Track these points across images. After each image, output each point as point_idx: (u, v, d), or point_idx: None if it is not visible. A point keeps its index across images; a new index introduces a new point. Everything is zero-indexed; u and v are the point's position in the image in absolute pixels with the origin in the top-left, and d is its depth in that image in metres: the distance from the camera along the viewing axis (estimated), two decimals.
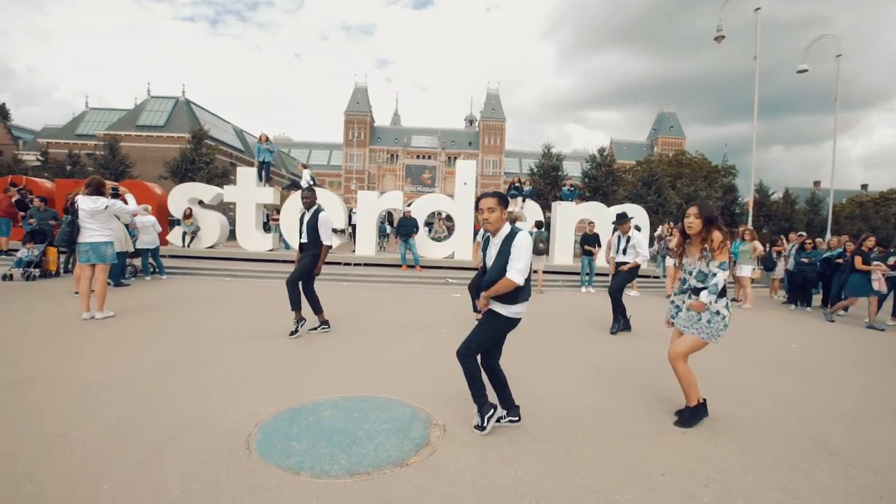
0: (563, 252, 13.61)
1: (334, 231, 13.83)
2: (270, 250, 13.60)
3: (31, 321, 5.46)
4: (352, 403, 3.34)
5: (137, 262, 9.51)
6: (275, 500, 2.13)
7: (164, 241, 13.15)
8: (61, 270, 9.21)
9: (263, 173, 13.92)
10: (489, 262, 2.91)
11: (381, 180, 73.17)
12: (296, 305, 5.19)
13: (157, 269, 9.68)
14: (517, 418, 3.04)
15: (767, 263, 11.35)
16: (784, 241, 11.98)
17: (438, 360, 4.40)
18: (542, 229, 10.66)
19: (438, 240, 14.91)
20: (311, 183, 15.27)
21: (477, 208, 2.91)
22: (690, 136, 70.93)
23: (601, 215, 13.85)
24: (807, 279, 9.60)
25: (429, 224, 17.55)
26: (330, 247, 5.22)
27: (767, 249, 11.64)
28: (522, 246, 2.75)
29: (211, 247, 13.33)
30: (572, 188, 14.69)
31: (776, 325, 7.84)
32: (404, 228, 12.73)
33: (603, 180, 27.99)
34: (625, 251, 6.50)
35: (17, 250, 9.24)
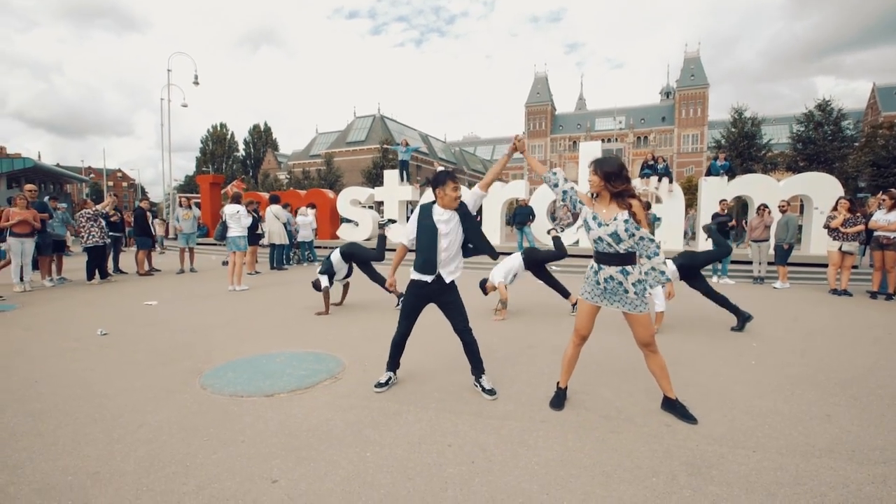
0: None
1: None
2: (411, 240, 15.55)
3: (202, 290, 8.12)
4: (302, 356, 4.20)
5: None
6: (175, 398, 3.17)
7: (334, 236, 16.62)
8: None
9: (404, 173, 15.96)
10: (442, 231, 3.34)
11: (563, 169, 71.43)
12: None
13: (311, 258, 12.45)
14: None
15: None
16: None
17: (429, 335, 4.63)
18: (650, 211, 9.38)
19: (562, 227, 14.40)
20: None
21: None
22: None
23: (764, 190, 11.18)
24: None
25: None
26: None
27: None
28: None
29: (367, 239, 16.05)
30: (725, 160, 12.19)
31: None
32: (520, 217, 12.88)
33: (824, 145, 21.37)
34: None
35: None
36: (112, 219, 9.41)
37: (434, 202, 3.29)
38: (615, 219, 2.73)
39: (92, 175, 58.52)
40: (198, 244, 11.66)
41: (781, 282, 8.46)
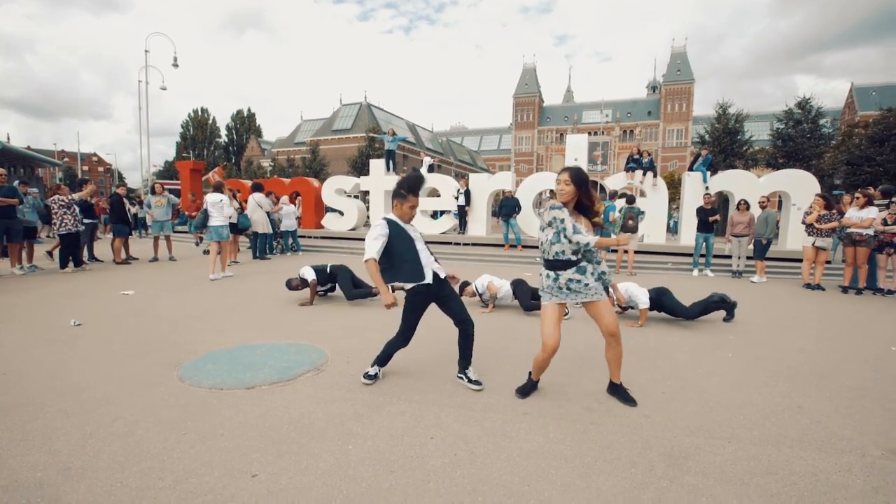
0: (691, 231, 11.69)
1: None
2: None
3: (181, 280, 7.96)
4: (284, 347, 4.15)
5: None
6: (152, 390, 3.09)
7: (319, 225, 16.40)
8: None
9: (390, 163, 15.80)
10: (415, 236, 3.26)
11: (549, 161, 71.65)
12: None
13: (295, 247, 12.29)
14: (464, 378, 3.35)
15: None
16: None
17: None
18: (634, 205, 9.49)
19: None
20: (430, 170, 16.61)
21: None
22: None
23: (744, 186, 11.39)
24: None
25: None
26: None
27: None
28: (370, 233, 3.14)
29: (352, 229, 15.90)
30: (709, 153, 12.39)
31: None
32: (506, 209, 12.87)
33: (802, 142, 21.85)
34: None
35: None
36: (96, 203, 9.11)
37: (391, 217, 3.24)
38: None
39: (66, 159, 56.51)
40: (176, 232, 11.38)
41: (759, 276, 8.67)
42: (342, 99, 47.19)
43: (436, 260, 3.33)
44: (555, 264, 2.89)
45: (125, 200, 9.78)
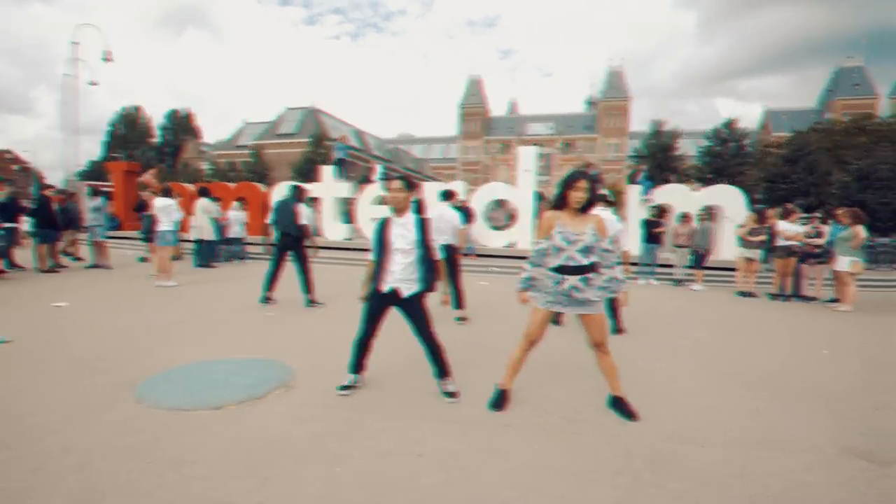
0: (634, 242, 12.39)
1: None
2: (347, 239, 15.07)
3: (119, 289, 7.31)
4: (246, 363, 3.90)
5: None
6: (105, 415, 2.79)
7: (266, 232, 15.64)
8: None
9: (341, 170, 15.47)
10: (396, 244, 3.14)
11: (495, 170, 73.39)
12: None
13: (241, 255, 11.69)
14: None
15: None
16: None
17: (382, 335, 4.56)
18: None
19: (498, 228, 14.78)
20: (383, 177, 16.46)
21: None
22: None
23: (683, 200, 12.26)
24: None
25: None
26: None
27: None
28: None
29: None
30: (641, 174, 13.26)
31: (861, 330, 6.09)
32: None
33: (728, 160, 24.02)
34: None
35: None
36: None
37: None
38: (584, 233, 2.83)
39: None
40: (109, 237, 10.42)
41: (698, 284, 9.34)
42: (287, 103, 45.72)
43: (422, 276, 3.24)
44: (565, 269, 2.85)
45: (52, 203, 8.81)
